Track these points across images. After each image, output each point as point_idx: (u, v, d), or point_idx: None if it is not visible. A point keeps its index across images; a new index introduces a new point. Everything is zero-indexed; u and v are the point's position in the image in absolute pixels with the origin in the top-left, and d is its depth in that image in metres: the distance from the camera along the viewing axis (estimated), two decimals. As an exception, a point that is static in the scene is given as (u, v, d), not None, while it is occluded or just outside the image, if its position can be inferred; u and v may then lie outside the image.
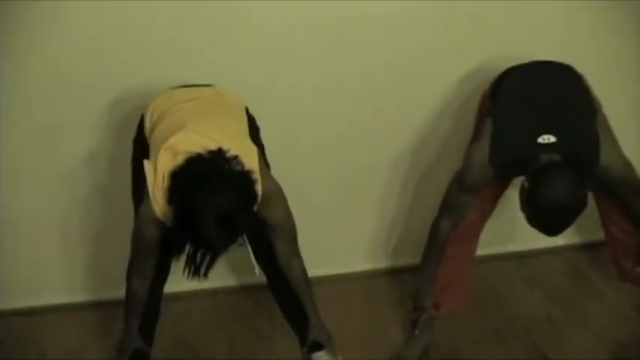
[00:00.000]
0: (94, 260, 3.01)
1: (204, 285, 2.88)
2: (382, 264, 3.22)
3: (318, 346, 2.48)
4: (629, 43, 2.97)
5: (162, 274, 2.39)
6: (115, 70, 2.63)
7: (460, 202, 2.40)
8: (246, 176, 1.96)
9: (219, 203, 1.84)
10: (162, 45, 2.61)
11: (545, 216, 2.10)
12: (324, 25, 2.69)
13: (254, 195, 1.98)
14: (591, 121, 2.24)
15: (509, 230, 3.11)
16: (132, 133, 2.37)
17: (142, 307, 2.31)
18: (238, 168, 1.95)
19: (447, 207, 2.43)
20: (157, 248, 2.14)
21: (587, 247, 3.25)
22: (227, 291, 3.05)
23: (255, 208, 2.03)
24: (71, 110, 2.69)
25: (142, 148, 2.24)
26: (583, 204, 2.11)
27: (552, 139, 2.16)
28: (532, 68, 2.49)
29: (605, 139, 2.22)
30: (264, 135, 2.41)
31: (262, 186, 2.03)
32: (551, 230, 2.16)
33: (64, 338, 2.87)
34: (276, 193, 2.14)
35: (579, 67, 2.47)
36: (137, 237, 2.12)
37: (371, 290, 3.10)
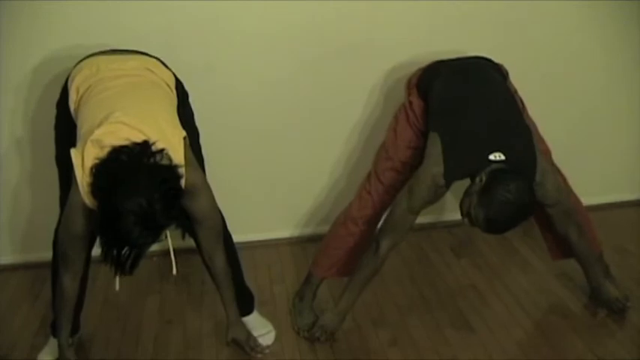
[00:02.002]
0: (20, 221, 3.01)
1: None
2: (310, 230, 3.27)
3: (247, 311, 2.54)
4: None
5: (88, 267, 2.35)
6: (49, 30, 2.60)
7: (406, 224, 2.38)
8: (172, 171, 1.92)
9: (140, 202, 1.80)
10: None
11: (499, 211, 2.12)
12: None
13: (178, 190, 1.94)
14: (530, 136, 2.31)
15: (440, 201, 3.15)
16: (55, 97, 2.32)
17: (73, 308, 2.26)
18: (164, 162, 1.92)
19: (392, 228, 2.39)
20: (87, 241, 2.09)
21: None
22: (161, 253, 3.04)
23: (181, 202, 2.00)
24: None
25: (65, 116, 2.19)
26: (533, 207, 2.22)
27: (502, 156, 2.20)
28: (460, 69, 2.53)
29: (539, 155, 2.30)
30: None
31: (187, 179, 1.99)
32: (501, 226, 2.19)
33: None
34: (200, 186, 2.11)
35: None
36: (66, 225, 2.06)
37: (299, 256, 3.15)
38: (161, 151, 1.92)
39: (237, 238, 2.53)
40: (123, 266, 1.90)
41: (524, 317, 2.73)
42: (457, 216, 3.20)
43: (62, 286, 2.18)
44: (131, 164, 1.87)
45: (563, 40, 3.10)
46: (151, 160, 1.89)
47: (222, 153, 2.70)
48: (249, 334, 2.50)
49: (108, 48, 2.33)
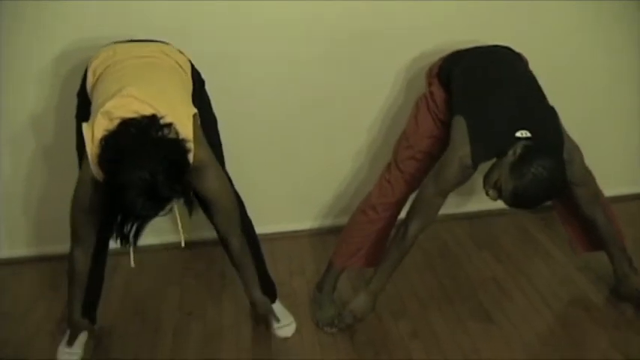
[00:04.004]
0: (41, 215, 3.01)
1: (155, 240, 2.94)
2: (330, 222, 3.27)
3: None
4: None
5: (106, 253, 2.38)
6: (63, 22, 2.60)
7: (435, 207, 2.37)
8: (178, 144, 1.93)
9: (144, 173, 1.81)
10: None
11: (531, 185, 2.10)
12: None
13: (185, 164, 1.95)
14: (555, 114, 2.30)
15: (462, 192, 3.13)
16: (77, 87, 2.32)
17: (85, 284, 2.27)
18: (171, 136, 1.92)
19: (421, 212, 2.37)
20: (97, 214, 2.09)
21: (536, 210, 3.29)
22: (179, 246, 3.04)
23: (188, 178, 1.99)
24: (14, 65, 2.65)
25: (85, 103, 2.20)
26: (564, 185, 2.21)
27: (528, 134, 2.18)
28: (481, 55, 2.51)
29: (565, 132, 2.30)
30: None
31: (195, 156, 2.00)
32: (529, 201, 2.16)
33: (15, 292, 2.89)
34: (208, 164, 2.11)
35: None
36: (76, 201, 2.07)
37: (319, 248, 3.13)
38: (169, 124, 1.93)
39: (256, 230, 2.52)
40: (127, 237, 1.92)
41: (546, 310, 2.70)
42: (478, 207, 3.28)
43: (73, 260, 2.20)
44: (138, 136, 1.88)
45: (564, 35, 3.07)
46: (159, 133, 1.91)
47: (240, 144, 2.69)
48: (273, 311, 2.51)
49: (126, 38, 2.34)
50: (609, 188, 2.69)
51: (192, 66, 2.34)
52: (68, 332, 2.45)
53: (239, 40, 2.78)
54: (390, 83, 3.00)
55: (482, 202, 2.97)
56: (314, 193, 3.21)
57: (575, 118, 2.99)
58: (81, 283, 2.25)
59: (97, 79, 2.16)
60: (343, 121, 3.05)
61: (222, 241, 2.34)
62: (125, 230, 1.90)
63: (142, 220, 1.91)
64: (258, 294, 2.45)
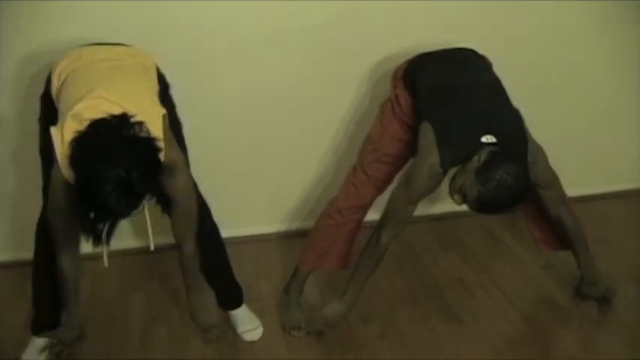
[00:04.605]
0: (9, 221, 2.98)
1: (120, 245, 2.91)
2: (297, 225, 3.27)
3: (235, 304, 2.54)
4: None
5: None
6: (27, 24, 2.56)
7: (407, 215, 2.38)
8: (150, 142, 1.92)
9: (118, 170, 1.80)
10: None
11: (496, 192, 2.11)
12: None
13: (157, 162, 1.95)
14: (519, 117, 2.34)
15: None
16: (40, 91, 2.30)
17: (76, 290, 2.25)
18: (142, 134, 1.91)
19: (393, 220, 2.38)
20: (74, 216, 2.06)
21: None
22: (144, 251, 3.02)
23: (160, 176, 1.99)
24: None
25: (49, 107, 2.18)
26: (528, 191, 2.22)
27: (493, 139, 2.20)
28: (445, 58, 2.53)
29: (529, 135, 2.33)
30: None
31: (165, 155, 1.99)
32: (494, 207, 2.17)
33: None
34: (178, 164, 2.10)
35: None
36: (51, 206, 2.06)
37: (286, 251, 3.13)
38: (140, 123, 1.92)
39: (222, 233, 2.51)
40: (99, 236, 1.90)
41: (512, 309, 2.74)
42: (444, 209, 3.30)
43: (61, 269, 2.17)
44: (110, 135, 1.87)
45: (562, 30, 3.14)
46: (130, 131, 1.90)
47: (206, 147, 2.66)
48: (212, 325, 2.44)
49: (92, 42, 2.33)
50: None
51: (158, 69, 2.33)
52: (32, 340, 2.43)
53: (204, 43, 2.76)
54: (354, 87, 3.01)
55: (447, 203, 2.94)
56: (280, 196, 3.21)
57: (565, 114, 3.08)
58: (73, 289, 2.23)
59: (63, 82, 2.13)
60: (308, 125, 3.05)
61: (177, 242, 2.29)
62: (98, 230, 1.88)
63: (116, 218, 1.89)
64: (194, 303, 2.38)
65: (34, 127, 2.33)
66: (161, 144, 1.96)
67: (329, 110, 3.05)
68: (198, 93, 2.77)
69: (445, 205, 3.18)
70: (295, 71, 2.91)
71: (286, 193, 3.21)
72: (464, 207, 2.29)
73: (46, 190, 2.23)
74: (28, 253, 2.64)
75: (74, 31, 2.55)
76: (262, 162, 3.09)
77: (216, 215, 2.45)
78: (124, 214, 1.89)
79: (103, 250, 2.08)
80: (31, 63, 2.64)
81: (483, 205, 2.17)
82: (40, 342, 2.45)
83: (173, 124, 2.21)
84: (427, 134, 2.27)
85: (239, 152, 3.04)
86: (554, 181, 2.46)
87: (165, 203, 2.12)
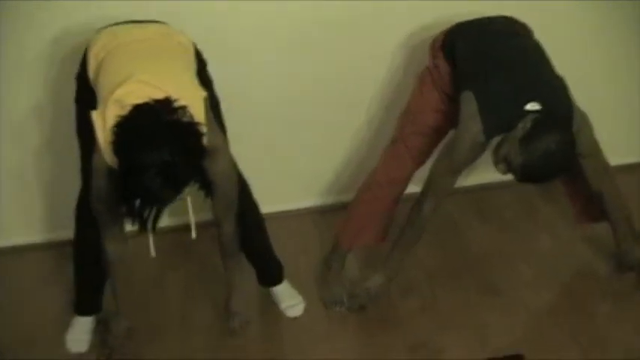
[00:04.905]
0: (45, 201, 2.99)
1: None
2: (332, 199, 3.25)
3: (276, 281, 2.56)
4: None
5: None
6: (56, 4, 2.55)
7: (448, 185, 2.37)
8: (193, 128, 1.90)
9: (162, 156, 1.79)
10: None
11: (541, 160, 2.08)
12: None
13: (201, 147, 1.93)
14: (564, 84, 2.28)
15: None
16: (72, 71, 2.27)
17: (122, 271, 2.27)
18: (185, 119, 1.90)
19: (434, 191, 2.36)
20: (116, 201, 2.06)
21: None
22: (182, 229, 3.01)
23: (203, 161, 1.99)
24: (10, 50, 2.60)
25: (85, 87, 2.16)
26: (573, 160, 2.22)
27: (537, 106, 2.16)
28: (486, 26, 2.47)
29: (575, 103, 2.27)
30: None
31: (207, 140, 1.97)
32: (538, 175, 2.14)
33: (16, 280, 2.87)
34: (220, 148, 2.09)
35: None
36: (96, 193, 2.05)
37: (322, 226, 3.11)
38: (183, 107, 1.90)
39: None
40: (145, 222, 1.89)
41: (551, 281, 2.73)
42: (482, 179, 3.26)
43: (107, 253, 2.19)
44: (153, 120, 1.85)
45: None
46: (173, 116, 1.88)
47: (241, 123, 2.63)
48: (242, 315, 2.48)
49: (126, 20, 2.29)
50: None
51: (195, 46, 2.29)
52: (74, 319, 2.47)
53: (236, 17, 2.72)
54: (389, 58, 2.96)
55: (487, 173, 2.96)
56: (317, 171, 3.19)
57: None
58: (119, 272, 2.26)
59: (100, 64, 2.10)
60: (343, 98, 3.01)
61: (216, 224, 2.30)
62: (143, 216, 1.87)
63: (161, 204, 1.88)
64: (234, 302, 2.44)
65: (67, 108, 2.31)
66: (203, 128, 1.94)
67: (364, 82, 3.00)
68: (229, 69, 2.73)
69: (484, 175, 3.17)
70: (330, 45, 2.86)
71: (322, 167, 3.18)
72: (502, 177, 2.27)
73: (84, 171, 2.23)
74: (65, 233, 2.68)
75: (103, 10, 2.51)
76: (295, 135, 3.06)
77: (253, 192, 2.45)
78: (168, 200, 1.88)
79: (149, 238, 2.08)
80: (62, 44, 2.62)
81: (528, 175, 2.14)
82: (83, 322, 2.49)
83: (211, 101, 2.19)
84: (469, 103, 2.23)
85: (271, 126, 3.01)
86: (597, 150, 2.41)
87: (209, 188, 2.10)
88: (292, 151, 3.09)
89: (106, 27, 2.24)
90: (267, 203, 2.67)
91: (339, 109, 3.03)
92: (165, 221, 2.95)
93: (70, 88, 2.28)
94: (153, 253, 2.18)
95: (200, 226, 2.34)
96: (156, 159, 1.79)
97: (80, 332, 2.49)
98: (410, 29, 2.90)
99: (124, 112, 1.87)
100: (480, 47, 2.38)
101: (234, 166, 2.22)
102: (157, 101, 1.89)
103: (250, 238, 2.43)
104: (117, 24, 2.26)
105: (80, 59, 2.24)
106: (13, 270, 2.92)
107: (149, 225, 1.90)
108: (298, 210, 3.21)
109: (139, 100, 1.88)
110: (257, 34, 2.78)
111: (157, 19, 2.32)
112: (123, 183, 1.86)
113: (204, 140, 1.94)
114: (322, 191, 3.25)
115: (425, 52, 2.60)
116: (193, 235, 2.22)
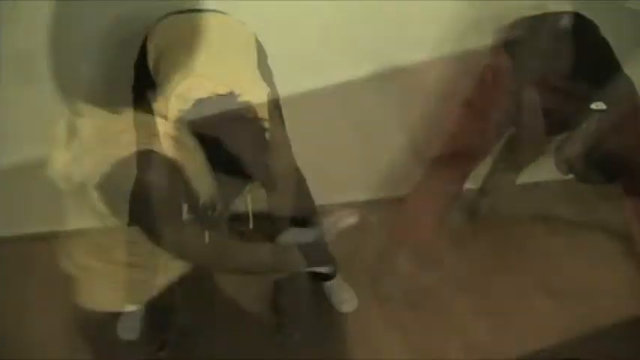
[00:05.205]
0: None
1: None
2: (389, 193, 3.21)
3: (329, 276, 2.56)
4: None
5: None
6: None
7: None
8: (256, 124, 1.90)
9: (225, 153, 1.80)
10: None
11: (605, 161, 2.11)
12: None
13: (264, 143, 1.93)
14: (631, 83, 2.24)
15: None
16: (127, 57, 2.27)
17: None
18: (249, 115, 1.89)
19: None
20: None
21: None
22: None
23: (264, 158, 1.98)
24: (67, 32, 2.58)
25: (144, 75, 2.14)
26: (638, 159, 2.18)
27: (602, 105, 2.14)
28: (549, 24, 2.41)
29: None
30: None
31: (270, 135, 1.96)
32: (606, 177, 2.18)
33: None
34: (282, 143, 2.11)
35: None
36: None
37: (378, 219, 2.95)
38: (246, 103, 1.90)
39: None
40: (209, 220, 1.89)
41: (610, 281, 2.68)
42: (534, 178, 3.19)
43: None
44: (217, 116, 1.85)
45: None
46: (237, 112, 1.88)
47: (298, 116, 2.62)
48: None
49: (186, 8, 2.26)
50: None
51: (256, 39, 2.26)
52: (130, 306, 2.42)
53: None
54: (438, 51, 2.83)
55: (536, 171, 2.90)
56: (372, 164, 3.15)
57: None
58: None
59: (161, 55, 2.09)
60: (399, 88, 2.92)
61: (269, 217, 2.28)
62: (207, 213, 1.87)
63: (230, 200, 1.89)
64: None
65: (121, 93, 2.27)
66: (266, 124, 1.93)
67: (419, 73, 2.91)
68: (288, 64, 2.71)
69: (536, 173, 3.11)
70: (379, 35, 2.78)
71: (377, 160, 3.15)
72: (556, 176, 2.24)
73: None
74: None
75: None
76: (351, 128, 3.00)
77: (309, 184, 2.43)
78: (233, 196, 1.92)
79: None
80: (118, 29, 2.58)
81: (590, 175, 2.11)
82: (134, 310, 2.48)
83: (272, 95, 2.16)
84: (534, 101, 2.19)
85: (327, 118, 2.95)
86: None
87: (270, 184, 2.10)
88: (347, 144, 3.06)
89: (165, 16, 2.21)
90: (322, 195, 2.66)
91: (395, 99, 2.96)
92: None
93: (123, 75, 2.27)
94: None
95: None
96: (219, 156, 1.80)
97: (131, 320, 2.49)
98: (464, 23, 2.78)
99: (187, 106, 1.87)
100: (545, 46, 2.33)
101: (293, 162, 2.21)
102: (220, 96, 1.88)
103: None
104: (177, 12, 2.23)
105: (139, 48, 2.21)
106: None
107: (213, 222, 1.90)
108: (352, 203, 3.15)
109: (202, 95, 1.88)
110: (309, 21, 2.70)
111: (216, 9, 2.29)
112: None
113: (267, 135, 1.93)
114: (378, 185, 3.21)
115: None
116: (250, 225, 2.19)
